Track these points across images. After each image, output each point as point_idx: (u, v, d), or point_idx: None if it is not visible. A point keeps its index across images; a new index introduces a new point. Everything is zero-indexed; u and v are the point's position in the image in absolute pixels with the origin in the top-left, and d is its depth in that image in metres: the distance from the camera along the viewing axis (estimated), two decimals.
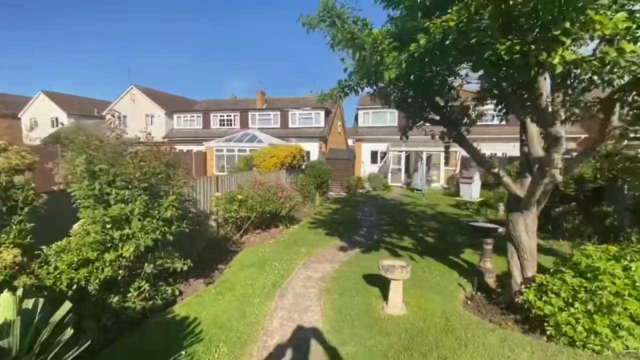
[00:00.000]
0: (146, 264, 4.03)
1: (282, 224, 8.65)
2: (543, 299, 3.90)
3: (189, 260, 4.38)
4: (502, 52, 2.69)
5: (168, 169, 4.22)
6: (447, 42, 2.96)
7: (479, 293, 4.93)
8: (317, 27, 3.95)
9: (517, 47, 2.65)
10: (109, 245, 3.71)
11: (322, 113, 23.83)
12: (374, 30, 3.53)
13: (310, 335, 3.77)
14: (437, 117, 5.18)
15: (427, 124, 5.37)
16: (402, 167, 21.09)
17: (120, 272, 4.01)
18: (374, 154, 23.59)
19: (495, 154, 21.33)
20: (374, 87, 4.31)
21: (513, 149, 22.41)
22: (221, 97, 32.01)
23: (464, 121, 5.18)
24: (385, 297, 4.56)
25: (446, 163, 21.57)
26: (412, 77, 3.70)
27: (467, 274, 5.62)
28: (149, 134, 5.02)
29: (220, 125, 26.56)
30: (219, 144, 20.98)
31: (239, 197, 6.80)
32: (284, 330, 3.91)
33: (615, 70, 2.71)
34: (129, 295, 3.98)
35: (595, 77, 3.17)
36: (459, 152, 20.55)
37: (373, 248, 7.20)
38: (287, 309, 4.39)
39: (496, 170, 4.35)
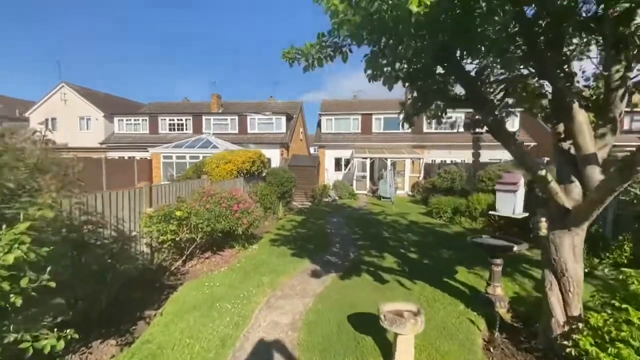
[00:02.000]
0: None
1: (239, 244, 6.98)
2: (609, 350, 2.77)
3: (71, 331, 2.56)
4: None
5: (32, 176, 2.45)
6: None
7: (498, 334, 3.75)
8: None
9: None
10: None
11: (284, 118, 22.37)
12: None
13: None
14: (463, 96, 3.77)
15: (438, 110, 4.04)
16: (367, 174, 20.23)
17: None
18: (337, 161, 22.53)
19: (455, 161, 21.36)
20: (375, 45, 2.87)
21: (471, 156, 22.68)
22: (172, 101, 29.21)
23: (504, 103, 3.72)
24: (387, 355, 3.18)
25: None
26: (445, 15, 2.40)
27: (473, 303, 4.45)
28: (46, 133, 3.13)
29: (170, 130, 23.95)
30: (167, 150, 18.56)
31: (178, 213, 5.07)
32: None
33: None
34: None
35: None
36: (422, 159, 20.19)
37: (352, 271, 5.82)
38: None
39: (543, 172, 3.19)
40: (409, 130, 22.46)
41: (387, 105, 24.95)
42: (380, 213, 12.77)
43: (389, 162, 19.82)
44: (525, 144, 21.51)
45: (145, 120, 24.38)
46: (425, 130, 22.38)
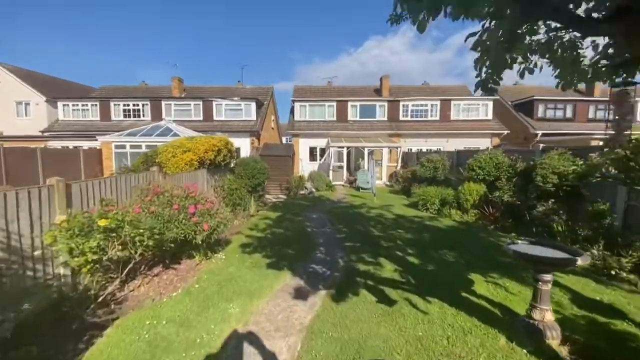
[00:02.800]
0: None
1: (200, 253, 5.47)
2: None
3: None
4: None
5: None
6: None
7: None
8: None
9: None
10: None
11: (253, 104, 20.52)
12: None
13: None
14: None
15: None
16: (344, 164, 19.05)
17: None
18: (312, 151, 21.14)
19: (430, 149, 20.74)
20: None
21: (446, 144, 22.14)
22: (128, 84, 26.12)
23: None
24: None
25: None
26: None
27: (514, 332, 3.34)
28: None
29: (126, 116, 21.30)
30: (119, 138, 16.17)
31: (102, 222, 3.48)
32: None
33: None
34: None
35: None
36: (400, 147, 19.30)
37: (346, 286, 4.55)
38: None
39: None
40: (385, 119, 21.52)
41: (362, 92, 23.82)
42: (362, 206, 11.63)
43: (366, 151, 18.76)
44: (498, 131, 21.35)
45: (96, 105, 21.49)
46: (401, 118, 21.53)
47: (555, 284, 4.55)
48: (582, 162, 7.29)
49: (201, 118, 20.80)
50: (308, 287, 4.56)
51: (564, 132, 20.85)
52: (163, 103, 20.96)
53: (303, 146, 20.92)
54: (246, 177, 10.05)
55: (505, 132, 21.11)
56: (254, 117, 20.55)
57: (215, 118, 20.75)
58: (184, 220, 4.64)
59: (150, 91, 24.24)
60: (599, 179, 6.35)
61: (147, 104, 21.18)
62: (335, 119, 21.40)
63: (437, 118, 21.68)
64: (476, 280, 4.76)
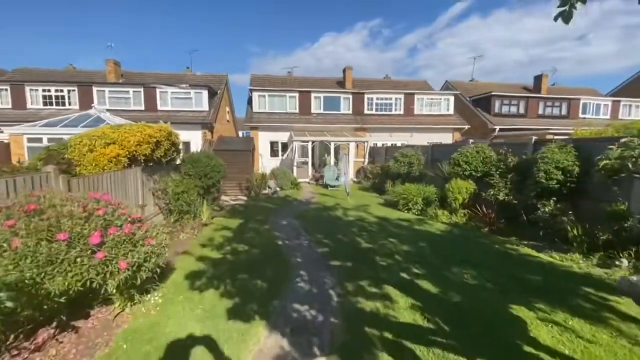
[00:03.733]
0: None
1: (122, 297, 3.48)
2: None
3: None
4: None
5: None
6: None
7: None
8: None
9: None
10: None
11: (205, 93, 17.99)
12: None
13: None
14: None
15: None
16: (309, 159, 17.39)
17: None
18: (273, 145, 19.18)
19: (396, 144, 19.92)
20: None
21: (410, 139, 21.49)
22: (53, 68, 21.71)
23: None
24: None
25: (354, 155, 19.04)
26: None
27: None
28: None
29: (46, 104, 17.53)
30: (33, 129, 12.85)
31: None
32: None
33: None
34: None
35: None
36: (367, 142, 18.11)
37: (355, 348, 2.94)
38: None
39: None
40: (350, 112, 20.24)
41: (324, 84, 22.29)
42: (336, 207, 10.11)
43: (332, 146, 17.28)
44: (459, 126, 21.18)
45: (6, 90, 17.38)
46: (366, 111, 20.40)
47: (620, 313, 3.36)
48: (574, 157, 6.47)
49: (142, 108, 17.76)
50: (296, 353, 2.87)
51: (519, 127, 21.23)
52: (95, 89, 17.54)
53: (263, 140, 18.87)
54: (196, 176, 7.96)
55: (466, 126, 20.99)
56: (206, 107, 18.02)
57: (160, 108, 17.85)
58: (79, 260, 2.67)
59: (80, 76, 20.34)
60: (623, 175, 5.47)
61: (74, 90, 17.57)
62: (297, 111, 19.61)
63: (402, 112, 20.90)
64: (526, 317, 3.42)
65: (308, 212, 9.34)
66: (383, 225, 7.76)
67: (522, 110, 22.73)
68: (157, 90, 17.89)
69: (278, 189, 12.98)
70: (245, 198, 11.58)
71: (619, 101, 23.33)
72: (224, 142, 15.22)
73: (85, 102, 17.22)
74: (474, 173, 8.66)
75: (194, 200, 7.49)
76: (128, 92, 17.70)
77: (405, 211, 9.41)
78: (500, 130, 21.01)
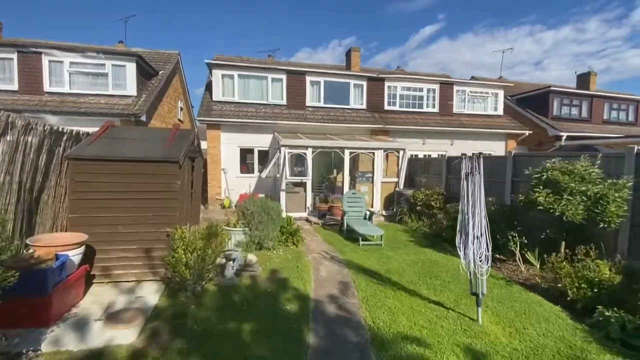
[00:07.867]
0: None
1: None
2: None
3: None
4: None
5: None
6: None
7: None
8: None
9: None
10: None
11: (132, 67, 10.34)
12: None
13: None
14: None
15: None
16: (308, 178, 9.81)
17: None
18: (246, 155, 11.62)
19: (429, 155, 12.92)
20: None
21: (451, 148, 14.51)
22: None
23: None
24: None
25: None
26: None
27: None
28: None
29: None
30: None
31: None
32: None
33: None
34: None
35: None
36: (402, 151, 10.82)
37: None
38: None
39: None
40: (363, 106, 13.10)
41: (325, 69, 15.08)
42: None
43: (346, 156, 9.86)
44: (515, 131, 14.59)
45: None
46: (387, 106, 13.34)
47: None
48: None
49: (16, 87, 9.81)
50: None
51: (587, 136, 14.83)
52: None
53: (229, 146, 11.24)
54: None
55: (527, 132, 14.31)
56: (132, 91, 10.30)
57: (48, 89, 9.96)
58: None
59: None
60: None
61: None
62: (284, 102, 12.22)
63: (436, 110, 14.02)
64: None
65: None
66: None
67: (584, 114, 16.47)
68: (45, 59, 10.01)
69: (254, 260, 5.31)
70: (154, 301, 3.84)
71: None
72: (114, 137, 5.50)
73: None
74: None
75: None
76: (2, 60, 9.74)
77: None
78: (568, 138, 14.52)
